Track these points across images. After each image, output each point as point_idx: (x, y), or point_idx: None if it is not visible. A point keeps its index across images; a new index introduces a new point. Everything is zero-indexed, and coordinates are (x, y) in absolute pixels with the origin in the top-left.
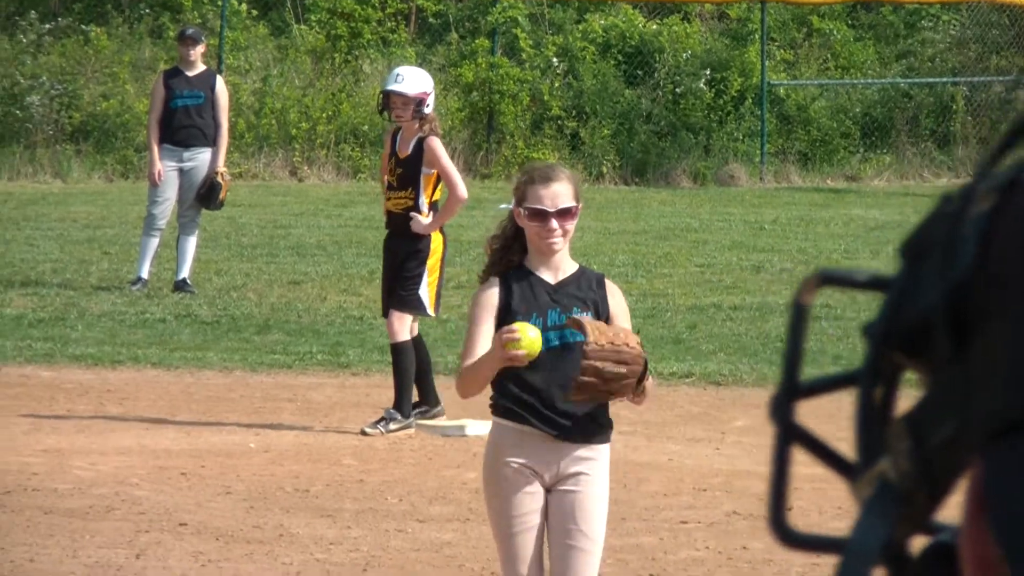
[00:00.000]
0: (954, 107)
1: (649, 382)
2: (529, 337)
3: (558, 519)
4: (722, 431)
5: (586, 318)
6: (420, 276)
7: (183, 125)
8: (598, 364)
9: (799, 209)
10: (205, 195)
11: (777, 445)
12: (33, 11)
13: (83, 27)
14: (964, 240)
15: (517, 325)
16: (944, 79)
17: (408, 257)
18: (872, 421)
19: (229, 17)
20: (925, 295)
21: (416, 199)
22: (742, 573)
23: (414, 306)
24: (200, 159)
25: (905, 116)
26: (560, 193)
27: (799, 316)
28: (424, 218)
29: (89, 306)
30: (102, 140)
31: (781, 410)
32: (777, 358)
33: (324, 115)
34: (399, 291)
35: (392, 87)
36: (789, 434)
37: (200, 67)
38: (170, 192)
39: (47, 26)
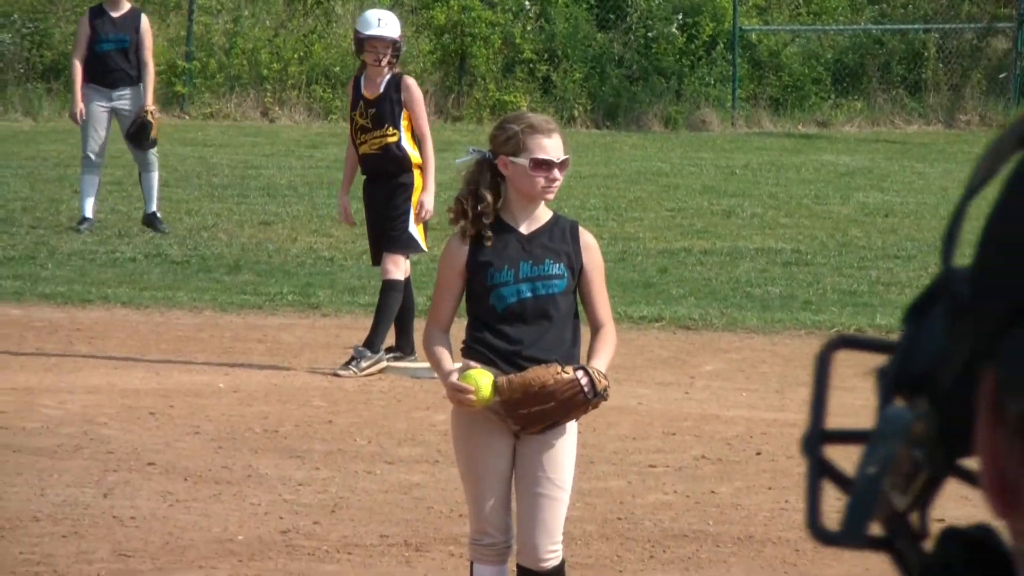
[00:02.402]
0: (926, 54)
1: (603, 384)
2: (482, 391)
3: (526, 466)
4: (691, 375)
5: (499, 379)
6: (407, 212)
7: (109, 69)
8: (523, 412)
9: (770, 154)
10: (135, 133)
11: (810, 475)
12: None
13: None
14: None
15: (471, 377)
16: (916, 26)
17: (392, 195)
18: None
19: None
20: (932, 341)
21: (399, 136)
22: (710, 517)
23: (407, 244)
24: (128, 97)
25: (877, 63)
26: (560, 144)
27: (822, 367)
28: (425, 198)
29: (59, 245)
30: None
31: (812, 449)
32: (748, 303)
33: (296, 56)
34: (390, 232)
35: (374, 31)
36: (819, 468)
37: (125, 6)
38: (100, 130)
39: None
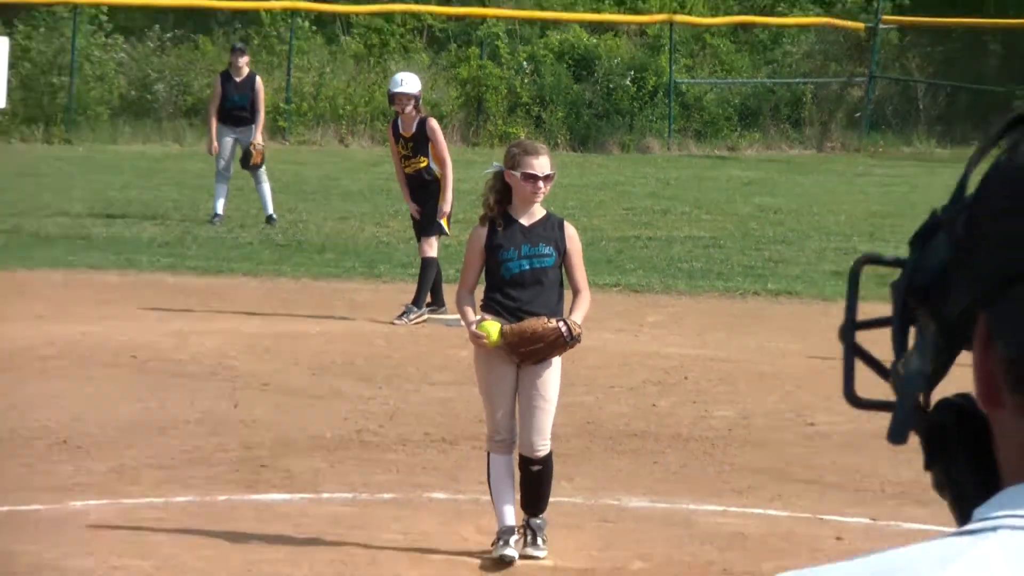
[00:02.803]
0: (804, 99)
1: (578, 331)
2: (492, 336)
3: (525, 387)
4: (640, 324)
5: (504, 327)
6: (434, 211)
7: (234, 115)
8: (522, 350)
9: (695, 170)
10: (242, 159)
11: (845, 356)
12: (157, 24)
13: (192, 36)
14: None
15: (484, 326)
16: (798, 80)
17: (425, 201)
18: (902, 342)
19: (296, 31)
20: (933, 262)
21: (427, 162)
22: (652, 422)
23: (436, 231)
24: (246, 132)
25: (769, 106)
26: (545, 164)
27: (854, 278)
28: (445, 205)
29: (199, 232)
30: (207, 117)
31: (847, 336)
32: (679, 274)
33: (363, 100)
34: (425, 224)
35: (398, 89)
36: (852, 351)
37: (245, 71)
38: (227, 152)
39: (168, 35)
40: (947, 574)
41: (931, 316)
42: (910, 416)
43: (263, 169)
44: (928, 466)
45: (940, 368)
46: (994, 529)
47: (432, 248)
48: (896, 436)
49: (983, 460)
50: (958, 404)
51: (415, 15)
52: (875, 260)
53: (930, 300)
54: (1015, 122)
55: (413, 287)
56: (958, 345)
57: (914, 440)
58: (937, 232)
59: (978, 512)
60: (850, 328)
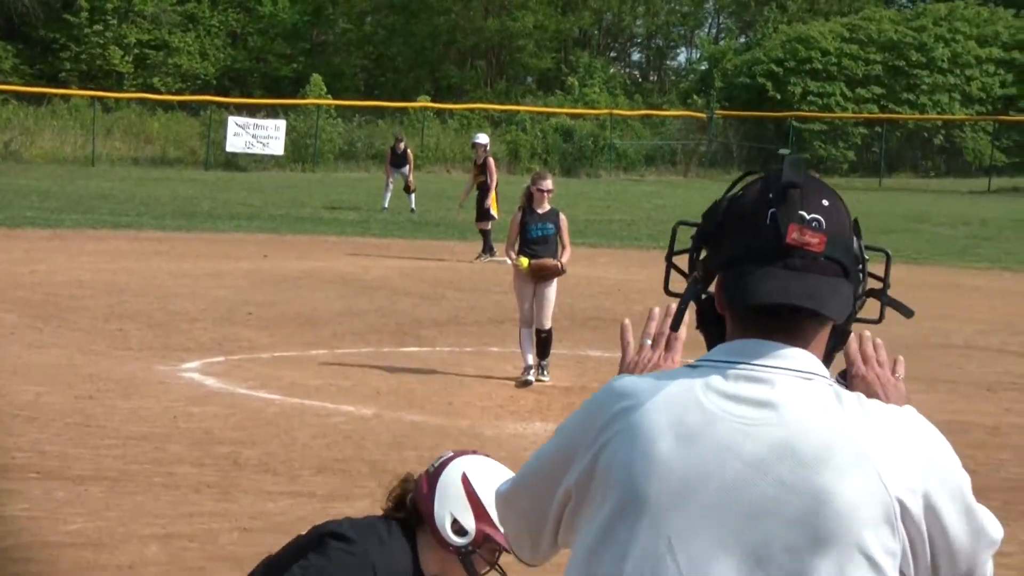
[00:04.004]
0: (677, 151)
1: (564, 266)
2: (523, 266)
3: (538, 294)
4: (600, 264)
5: (532, 262)
6: (487, 206)
7: (396, 160)
8: (538, 275)
9: (622, 187)
10: (404, 187)
11: (685, 296)
12: (356, 114)
13: (376, 120)
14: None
15: (521, 261)
16: (672, 141)
17: (481, 200)
18: (685, 303)
19: (426, 119)
20: (703, 241)
21: (485, 179)
22: (601, 310)
23: (487, 216)
24: (404, 172)
25: (660, 155)
26: (549, 183)
27: (673, 231)
28: (488, 199)
29: (374, 215)
30: (385, 164)
31: (668, 260)
32: (615, 238)
33: (459, 152)
34: (480, 211)
35: (476, 141)
36: (670, 267)
37: (402, 147)
38: (391, 180)
39: (364, 118)
40: (654, 377)
41: (701, 269)
42: (687, 303)
43: (413, 193)
44: (698, 327)
45: (701, 288)
46: (694, 367)
47: (487, 226)
48: (680, 308)
49: (719, 330)
50: (710, 303)
51: (483, 109)
52: (685, 223)
53: (710, 245)
54: (747, 174)
55: (480, 243)
56: (708, 283)
57: None
58: (707, 231)
59: (703, 357)
60: (668, 257)
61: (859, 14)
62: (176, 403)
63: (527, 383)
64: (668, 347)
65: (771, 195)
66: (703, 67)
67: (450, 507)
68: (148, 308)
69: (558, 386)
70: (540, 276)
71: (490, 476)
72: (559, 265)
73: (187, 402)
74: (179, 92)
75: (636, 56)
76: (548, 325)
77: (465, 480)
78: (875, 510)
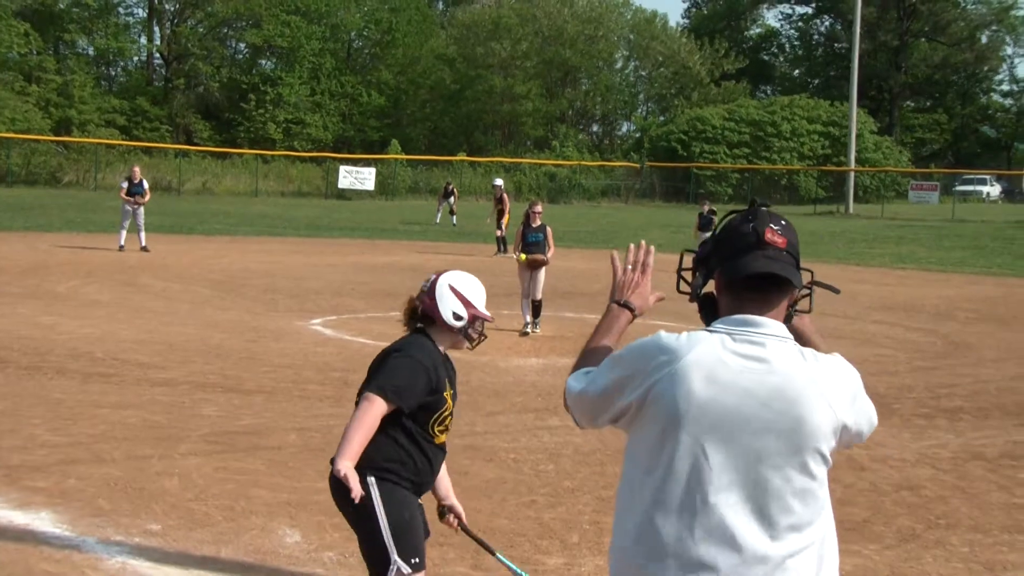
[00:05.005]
0: (620, 187)
1: (549, 258)
2: (522, 259)
3: (533, 278)
4: (567, 258)
5: (528, 256)
6: (503, 224)
7: (445, 194)
8: (533, 264)
9: (583, 210)
10: (450, 210)
11: (679, 270)
12: (419, 166)
13: (436, 165)
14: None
15: (521, 256)
16: (617, 181)
17: (498, 220)
18: (696, 276)
19: (463, 169)
20: (705, 251)
21: (503, 208)
22: (577, 288)
23: (500, 229)
24: (451, 200)
25: (611, 190)
26: (539, 208)
27: (681, 256)
28: (501, 219)
29: (428, 228)
30: (438, 197)
31: (679, 271)
32: (582, 241)
33: (482, 188)
34: (498, 229)
35: (496, 183)
36: (680, 273)
37: (448, 189)
38: (440, 204)
39: (423, 167)
40: (687, 336)
41: (703, 268)
42: (696, 294)
43: (454, 215)
44: (699, 311)
45: (703, 285)
46: (711, 332)
47: (504, 232)
48: (693, 298)
49: (715, 310)
50: (710, 293)
51: (500, 161)
52: (690, 251)
53: (703, 264)
54: (730, 213)
55: (491, 246)
56: (708, 278)
57: None
58: (708, 243)
59: (714, 324)
60: (678, 271)
61: (735, 102)
62: (307, 345)
63: (526, 333)
64: (643, 271)
65: (750, 215)
66: (637, 135)
67: (448, 305)
68: (289, 285)
69: (545, 335)
70: (534, 266)
71: (465, 280)
72: (546, 259)
73: (314, 344)
74: (310, 151)
75: (595, 128)
76: (540, 296)
77: (451, 287)
78: (828, 428)
